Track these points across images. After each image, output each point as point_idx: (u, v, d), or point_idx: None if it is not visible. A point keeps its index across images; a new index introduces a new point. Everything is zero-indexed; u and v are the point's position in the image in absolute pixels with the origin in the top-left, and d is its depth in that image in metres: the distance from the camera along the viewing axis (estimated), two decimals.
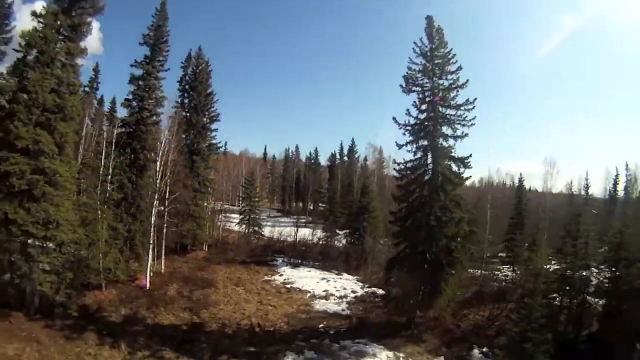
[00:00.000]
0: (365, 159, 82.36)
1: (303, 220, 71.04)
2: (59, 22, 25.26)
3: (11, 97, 23.69)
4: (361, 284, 40.73)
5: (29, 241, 23.37)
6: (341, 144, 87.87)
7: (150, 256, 34.33)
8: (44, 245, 23.89)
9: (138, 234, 34.42)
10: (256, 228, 59.65)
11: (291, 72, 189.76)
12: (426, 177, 28.85)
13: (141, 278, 34.44)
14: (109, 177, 31.86)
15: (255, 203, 60.60)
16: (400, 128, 29.12)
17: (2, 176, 22.21)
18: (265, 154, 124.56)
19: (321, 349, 25.58)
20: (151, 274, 34.94)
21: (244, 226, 59.87)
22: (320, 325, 29.99)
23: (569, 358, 22.81)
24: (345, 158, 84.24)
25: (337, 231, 58.67)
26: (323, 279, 42.05)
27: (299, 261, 49.20)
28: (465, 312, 32.47)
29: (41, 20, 24.57)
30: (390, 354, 25.42)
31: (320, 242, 56.89)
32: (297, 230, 60.25)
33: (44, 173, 22.94)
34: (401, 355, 25.40)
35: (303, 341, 26.74)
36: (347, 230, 55.75)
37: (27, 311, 24.79)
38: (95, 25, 26.83)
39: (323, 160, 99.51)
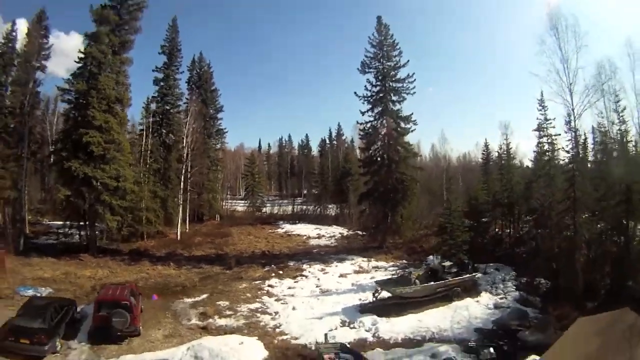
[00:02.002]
0: (352, 140, 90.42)
1: (300, 200, 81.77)
2: (109, 40, 35.13)
3: (81, 94, 33.61)
4: (347, 230, 51.29)
5: (103, 192, 32.93)
6: (330, 130, 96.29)
7: (180, 214, 44.44)
8: (113, 194, 33.70)
9: (170, 198, 44.60)
10: (258, 204, 70.10)
11: (282, 69, 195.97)
12: (382, 132, 39.69)
13: (172, 233, 44.53)
14: (148, 152, 42.25)
15: (257, 181, 70.89)
16: (361, 99, 40.37)
17: (84, 146, 32.12)
18: (260, 146, 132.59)
19: (314, 258, 36.06)
20: (179, 232, 44.81)
21: (248, 204, 70.47)
22: (314, 250, 40.37)
23: (512, 260, 31.41)
24: (335, 142, 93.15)
25: (327, 205, 69.08)
26: (317, 228, 53.13)
27: (297, 221, 59.60)
28: (428, 238, 42.26)
29: (94, 40, 34.55)
30: (365, 259, 35.22)
31: (314, 212, 67.38)
32: (294, 204, 70.89)
33: (113, 142, 33.15)
34: (372, 259, 35.24)
35: (301, 256, 37.04)
36: (337, 205, 66.15)
37: (91, 253, 33.85)
38: None
39: (314, 147, 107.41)
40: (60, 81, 34.94)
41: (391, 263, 34.11)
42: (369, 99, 39.98)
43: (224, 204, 69.86)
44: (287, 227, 54.24)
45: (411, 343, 18.63)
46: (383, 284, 24.02)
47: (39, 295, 22.39)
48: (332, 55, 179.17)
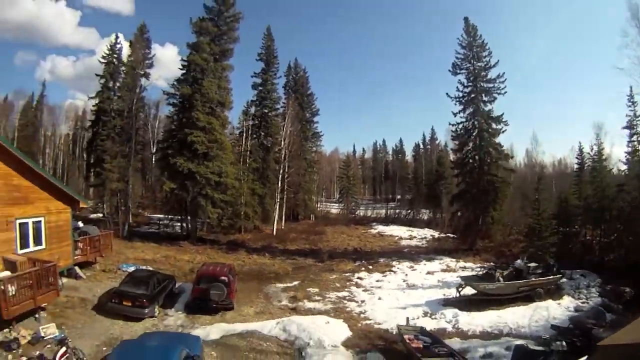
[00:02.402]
0: (445, 144, 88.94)
1: (392, 205, 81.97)
2: (209, 49, 38.21)
3: (185, 98, 36.97)
4: (438, 232, 50.86)
5: (205, 186, 36.02)
6: (423, 134, 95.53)
7: (277, 211, 46.96)
8: (214, 188, 36.69)
9: (267, 195, 47.42)
10: (352, 206, 71.43)
11: (375, 73, 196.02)
12: (473, 133, 39.36)
13: (268, 229, 47.05)
14: (247, 152, 45.32)
15: (351, 183, 72.39)
16: (452, 100, 40.50)
17: (189, 145, 35.42)
18: (354, 150, 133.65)
19: (403, 256, 36.34)
20: (275, 228, 47.33)
21: (342, 207, 72.01)
22: (405, 250, 40.68)
23: (600, 267, 29.05)
24: (428, 146, 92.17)
25: (420, 209, 68.68)
26: (409, 230, 53.51)
27: (390, 223, 59.92)
28: (518, 243, 40.62)
29: (195, 49, 37.75)
30: (453, 260, 34.84)
31: (407, 216, 67.28)
32: (387, 208, 71.37)
33: (216, 142, 36.25)
34: (460, 260, 34.76)
35: (391, 254, 37.53)
36: (430, 210, 65.71)
37: (191, 241, 36.80)
38: None
39: (408, 152, 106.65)
40: (158, 89, 39.17)
41: (478, 265, 33.28)
42: (461, 99, 40.06)
43: (318, 205, 72.19)
44: (380, 228, 55.10)
45: (488, 336, 18.54)
46: (467, 280, 23.90)
47: None
48: (423, 61, 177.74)
